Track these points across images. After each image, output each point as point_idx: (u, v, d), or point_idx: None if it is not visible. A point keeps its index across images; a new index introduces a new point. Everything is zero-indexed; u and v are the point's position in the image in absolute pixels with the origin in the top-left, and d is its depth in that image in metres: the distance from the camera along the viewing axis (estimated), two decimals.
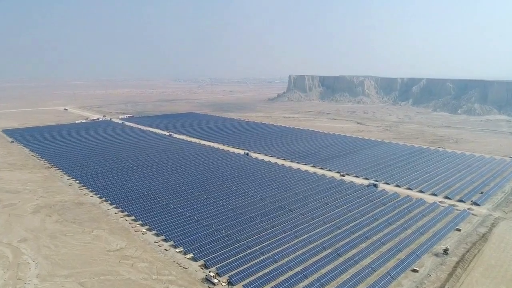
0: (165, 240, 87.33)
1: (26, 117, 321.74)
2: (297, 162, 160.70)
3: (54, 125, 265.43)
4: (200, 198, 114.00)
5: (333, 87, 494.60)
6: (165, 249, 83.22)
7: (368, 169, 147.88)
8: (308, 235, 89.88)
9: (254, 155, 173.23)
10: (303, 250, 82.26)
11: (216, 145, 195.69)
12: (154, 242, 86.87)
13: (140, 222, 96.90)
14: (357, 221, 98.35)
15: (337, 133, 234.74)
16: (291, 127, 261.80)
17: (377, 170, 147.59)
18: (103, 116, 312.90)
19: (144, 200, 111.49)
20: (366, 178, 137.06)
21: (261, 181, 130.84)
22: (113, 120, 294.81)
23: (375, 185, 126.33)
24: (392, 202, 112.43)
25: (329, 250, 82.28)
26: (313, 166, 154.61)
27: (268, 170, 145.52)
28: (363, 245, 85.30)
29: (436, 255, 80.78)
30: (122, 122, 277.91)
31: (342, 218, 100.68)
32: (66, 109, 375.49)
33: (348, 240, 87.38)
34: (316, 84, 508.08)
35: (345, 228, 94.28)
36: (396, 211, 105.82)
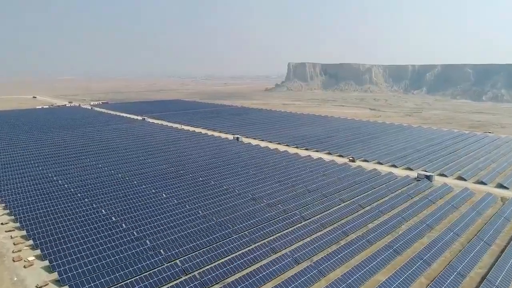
0: (57, 283, 43.50)
1: None
2: (305, 149, 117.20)
3: (3, 110, 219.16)
4: (157, 198, 70.27)
5: (336, 75, 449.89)
6: None
7: (405, 157, 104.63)
8: (344, 270, 46.33)
9: (246, 140, 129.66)
10: None
11: (198, 130, 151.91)
12: (36, 287, 43.07)
13: (32, 242, 53.01)
14: (426, 240, 54.87)
15: (349, 118, 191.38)
16: (294, 112, 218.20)
17: (419, 158, 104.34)
18: (69, 102, 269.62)
19: (63, 202, 67.51)
20: (409, 168, 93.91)
21: (255, 173, 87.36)
22: (82, 106, 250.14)
23: (428, 178, 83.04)
24: (469, 204, 69.07)
25: None
26: (329, 153, 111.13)
27: (265, 158, 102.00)
28: None
29: None
30: (91, 108, 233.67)
31: (394, 231, 57.26)
32: (35, 97, 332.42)
33: (424, 281, 43.84)
34: (318, 73, 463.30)
35: (407, 253, 50.78)
36: (481, 219, 62.49)
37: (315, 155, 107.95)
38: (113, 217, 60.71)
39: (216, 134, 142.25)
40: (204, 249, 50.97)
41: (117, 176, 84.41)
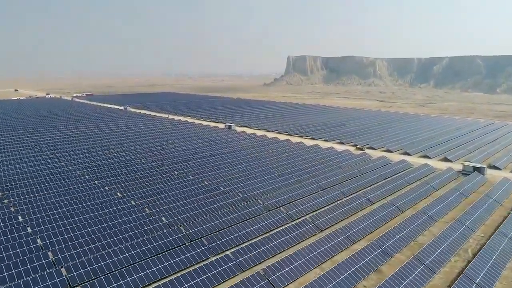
0: None
1: None
2: (312, 138, 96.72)
3: None
4: (109, 198, 49.67)
5: (338, 69, 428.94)
6: None
7: (436, 147, 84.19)
8: None
9: (240, 129, 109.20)
10: None
11: (185, 119, 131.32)
12: None
13: None
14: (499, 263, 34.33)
15: (358, 108, 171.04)
16: (296, 102, 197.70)
17: (454, 148, 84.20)
18: (47, 94, 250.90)
19: None
20: (447, 159, 73.59)
21: (249, 165, 66.75)
22: (64, 98, 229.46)
23: (479, 171, 62.65)
24: None
25: None
26: (341, 143, 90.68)
27: (262, 148, 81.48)
28: None
29: None
30: (72, 99, 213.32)
31: (461, 249, 36.75)
32: (17, 90, 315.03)
33: None
34: (319, 66, 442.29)
35: (483, 280, 30.27)
36: None
37: (324, 144, 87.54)
38: (28, 228, 40.06)
39: (205, 123, 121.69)
40: (162, 281, 30.37)
41: (67, 168, 63.82)
